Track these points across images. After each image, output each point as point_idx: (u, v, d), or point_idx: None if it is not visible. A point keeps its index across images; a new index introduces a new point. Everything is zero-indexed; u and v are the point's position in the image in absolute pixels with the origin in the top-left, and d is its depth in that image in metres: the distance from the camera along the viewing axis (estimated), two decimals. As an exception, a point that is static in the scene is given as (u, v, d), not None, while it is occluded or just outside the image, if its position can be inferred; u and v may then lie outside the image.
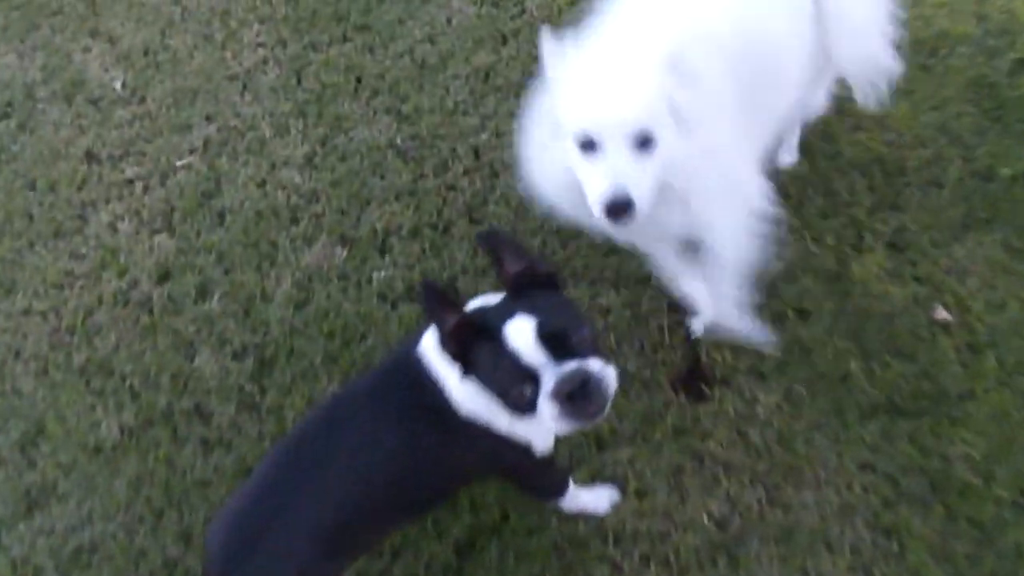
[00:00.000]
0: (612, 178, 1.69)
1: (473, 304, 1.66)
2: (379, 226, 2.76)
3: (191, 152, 3.06)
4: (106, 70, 3.36)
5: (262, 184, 2.94)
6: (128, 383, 2.63)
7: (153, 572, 2.30)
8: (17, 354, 2.81)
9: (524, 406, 1.50)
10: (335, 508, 1.66)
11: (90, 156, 3.17)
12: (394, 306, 2.57)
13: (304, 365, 2.52)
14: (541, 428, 1.65)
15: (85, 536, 2.43)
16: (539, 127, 1.88)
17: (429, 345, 1.68)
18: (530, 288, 1.55)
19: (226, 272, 2.76)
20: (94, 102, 3.32)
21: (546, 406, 1.47)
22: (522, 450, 1.75)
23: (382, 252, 2.68)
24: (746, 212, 1.95)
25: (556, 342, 1.46)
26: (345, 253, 2.69)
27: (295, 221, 2.83)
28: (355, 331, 2.54)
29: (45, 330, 2.81)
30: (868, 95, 2.25)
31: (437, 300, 1.48)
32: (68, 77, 3.40)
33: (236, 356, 2.59)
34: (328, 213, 2.80)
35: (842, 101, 2.63)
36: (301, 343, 2.56)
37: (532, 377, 1.47)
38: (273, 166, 2.97)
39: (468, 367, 1.54)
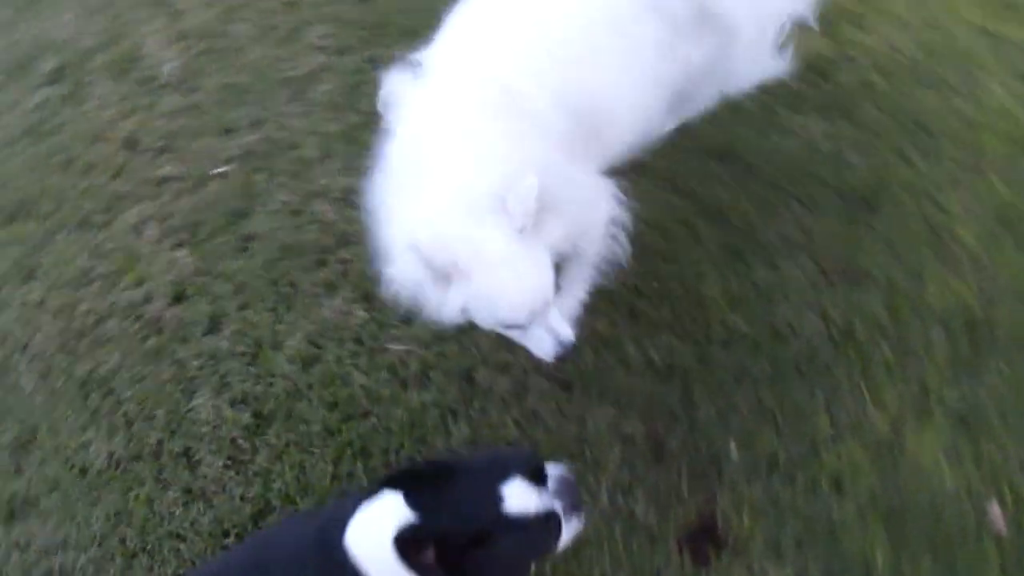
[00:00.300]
0: (553, 336, 1.92)
1: (374, 537, 1.52)
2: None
3: (229, 161, 2.99)
4: (162, 48, 3.31)
5: (296, 213, 2.84)
6: (124, 409, 2.60)
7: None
8: (24, 348, 2.81)
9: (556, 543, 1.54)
10: None
11: (130, 143, 3.13)
12: (404, 386, 2.47)
13: (301, 432, 2.44)
14: None
15: (56, 562, 2.43)
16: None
17: (360, 541, 1.56)
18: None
19: (241, 307, 2.70)
20: (144, 83, 3.26)
21: (570, 527, 1.54)
22: None
23: (404, 323, 2.61)
24: (605, 220, 2.12)
25: (535, 476, 1.51)
26: (365, 316, 2.61)
27: (321, 264, 2.73)
28: (359, 406, 2.45)
29: (55, 328, 2.81)
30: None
31: (410, 548, 1.39)
32: (123, 50, 3.35)
33: (234, 404, 2.53)
34: (356, 263, 2.70)
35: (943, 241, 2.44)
36: (302, 407, 2.48)
37: (554, 517, 1.50)
38: (310, 194, 2.87)
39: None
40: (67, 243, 2.95)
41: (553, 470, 1.57)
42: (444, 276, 1.81)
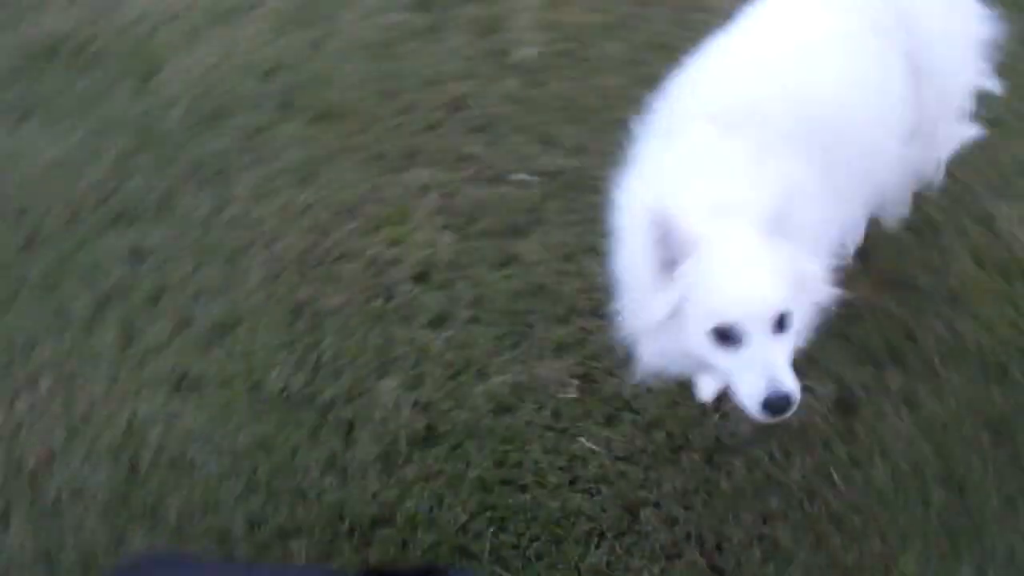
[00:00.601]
0: (769, 373, 1.98)
1: None
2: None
3: (533, 173, 3.49)
4: (529, 29, 3.86)
5: (567, 258, 3.29)
6: (319, 352, 3.20)
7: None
8: (269, 244, 3.53)
9: None
10: None
11: (456, 106, 3.77)
12: (572, 483, 2.83)
13: (457, 470, 2.89)
14: None
15: (191, 451, 3.06)
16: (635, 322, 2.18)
17: None
18: None
19: (470, 320, 3.19)
20: (495, 54, 3.91)
21: None
22: None
23: (607, 423, 3.01)
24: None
25: None
26: (576, 395, 3.00)
27: (563, 321, 3.15)
28: (521, 478, 2.85)
29: (303, 242, 3.49)
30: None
31: None
32: (495, 12, 4.03)
33: (416, 406, 3.03)
34: (596, 337, 3.10)
35: None
36: (471, 447, 2.93)
37: None
38: (587, 247, 3.26)
39: None
40: (354, 168, 3.62)
41: None
42: (672, 257, 1.96)
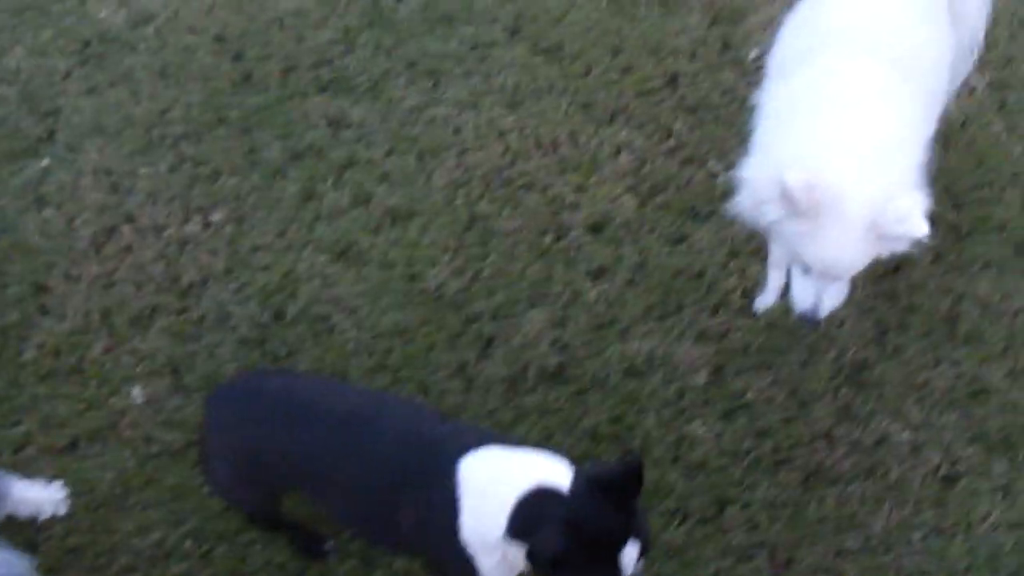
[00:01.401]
0: (815, 299, 2.76)
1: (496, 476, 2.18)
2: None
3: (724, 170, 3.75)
4: (763, 29, 4.04)
5: (732, 254, 3.59)
6: (482, 266, 3.55)
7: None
8: (463, 153, 3.86)
9: None
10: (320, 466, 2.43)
11: (671, 81, 3.99)
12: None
13: (570, 417, 3.27)
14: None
15: (335, 315, 3.50)
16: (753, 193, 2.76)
17: (484, 478, 2.21)
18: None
19: (628, 283, 3.49)
20: (726, 49, 4.10)
21: None
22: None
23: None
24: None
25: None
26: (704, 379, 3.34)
27: (713, 310, 3.49)
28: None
29: (492, 160, 3.81)
30: None
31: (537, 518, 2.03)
32: (736, 4, 4.19)
33: (553, 345, 3.40)
34: (735, 336, 3.44)
35: None
36: (595, 399, 3.31)
37: None
38: (755, 251, 3.62)
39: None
40: (561, 108, 3.94)
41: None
42: (788, 207, 2.52)
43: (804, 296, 2.79)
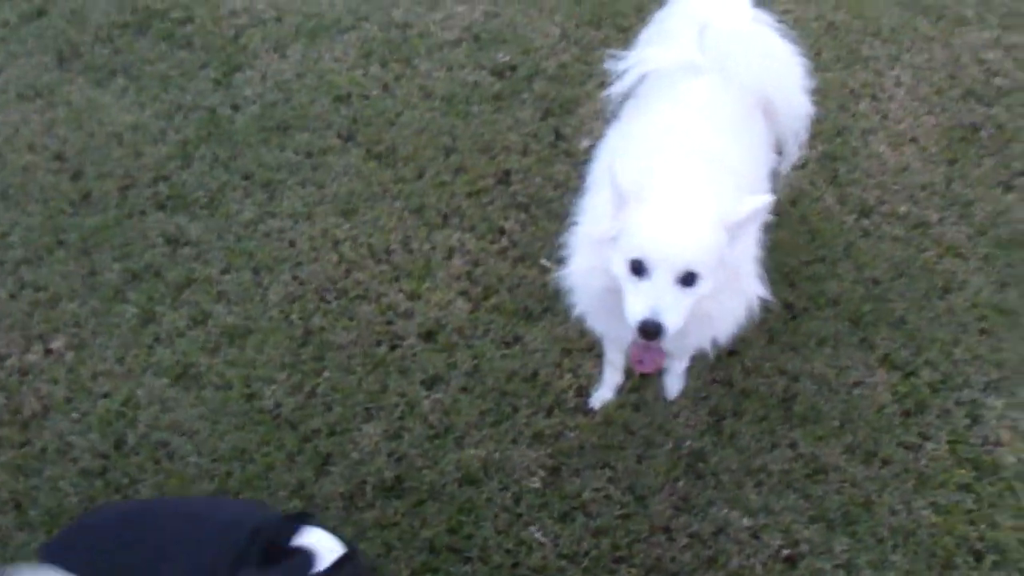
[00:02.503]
0: (653, 303, 2.57)
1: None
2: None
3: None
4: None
5: (565, 353, 3.65)
6: (318, 382, 3.56)
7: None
8: (296, 267, 3.88)
9: None
10: None
11: (504, 177, 4.09)
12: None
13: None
14: None
15: (175, 441, 3.49)
16: (588, 230, 2.81)
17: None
18: None
19: (465, 389, 3.57)
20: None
21: None
22: None
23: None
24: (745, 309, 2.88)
25: None
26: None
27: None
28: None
29: (329, 274, 3.85)
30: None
31: None
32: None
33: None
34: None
35: None
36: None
37: None
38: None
39: None
40: (394, 214, 4.00)
41: None
42: (625, 199, 2.57)
43: (641, 305, 2.60)
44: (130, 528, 2.50)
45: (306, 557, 2.19)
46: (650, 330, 2.57)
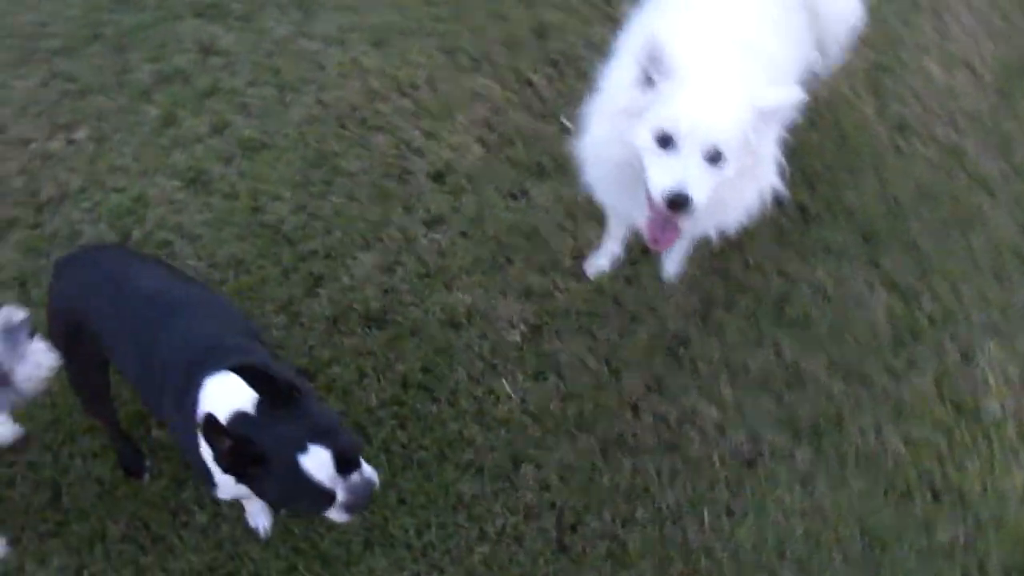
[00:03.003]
0: (681, 176, 2.52)
1: (220, 401, 2.24)
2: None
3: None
4: None
5: (568, 215, 3.66)
6: (323, 205, 3.61)
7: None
8: (320, 90, 3.89)
9: (314, 514, 2.31)
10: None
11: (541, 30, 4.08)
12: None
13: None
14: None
15: (177, 242, 3.58)
16: (612, 98, 2.76)
17: (208, 394, 2.31)
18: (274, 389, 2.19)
19: (464, 234, 3.60)
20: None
21: (335, 512, 2.25)
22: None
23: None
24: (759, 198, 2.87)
25: (343, 460, 2.19)
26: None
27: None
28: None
29: (352, 101, 3.86)
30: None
31: (214, 429, 2.10)
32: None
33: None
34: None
35: None
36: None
37: (331, 496, 2.20)
38: None
39: (245, 478, 2.19)
40: (426, 52, 4.00)
41: (367, 471, 2.27)
42: (655, 73, 2.52)
43: (668, 176, 2.54)
44: (120, 283, 2.65)
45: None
46: (678, 201, 2.53)
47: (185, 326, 2.54)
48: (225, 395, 2.28)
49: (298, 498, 2.25)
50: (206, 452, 2.26)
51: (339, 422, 2.31)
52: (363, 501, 2.30)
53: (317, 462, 2.16)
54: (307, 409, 2.24)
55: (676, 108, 2.51)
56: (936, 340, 3.44)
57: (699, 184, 2.52)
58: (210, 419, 2.09)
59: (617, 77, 2.79)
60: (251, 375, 2.18)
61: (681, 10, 2.95)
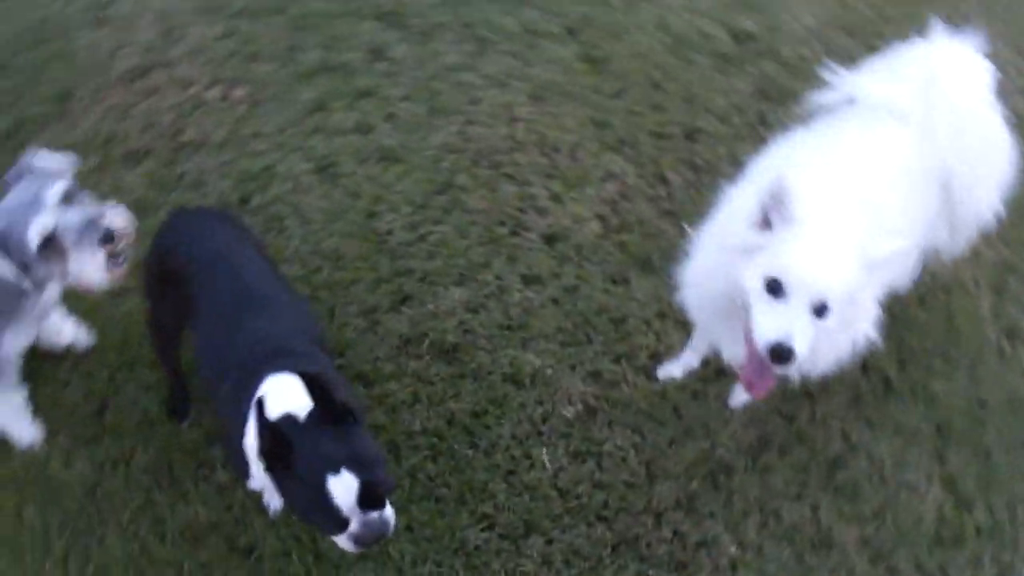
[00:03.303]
0: (787, 327, 2.53)
1: (274, 400, 2.34)
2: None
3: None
4: None
5: (660, 315, 3.69)
6: (433, 230, 3.76)
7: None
8: (466, 123, 4.08)
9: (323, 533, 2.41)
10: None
11: (691, 134, 4.16)
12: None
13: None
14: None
15: (289, 219, 3.76)
16: (725, 230, 2.80)
17: (273, 387, 2.43)
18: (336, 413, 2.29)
19: (556, 301, 3.68)
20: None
21: (343, 540, 2.35)
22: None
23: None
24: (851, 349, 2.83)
25: (369, 495, 2.27)
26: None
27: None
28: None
29: (493, 143, 4.02)
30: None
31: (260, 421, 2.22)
32: None
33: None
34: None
35: None
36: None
37: (343, 523, 2.29)
38: None
39: (275, 473, 2.30)
40: (578, 119, 4.16)
41: (387, 513, 2.36)
42: (775, 216, 2.55)
43: (774, 326, 2.55)
44: (219, 258, 2.85)
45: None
46: (781, 353, 2.54)
47: (266, 322, 2.71)
48: (281, 395, 2.40)
49: (313, 513, 2.34)
50: (250, 444, 2.41)
51: (381, 459, 2.39)
52: (373, 539, 2.38)
53: (343, 487, 2.25)
54: (355, 435, 2.34)
55: (791, 258, 2.53)
56: (976, 553, 3.35)
57: (803, 336, 2.54)
58: (260, 408, 2.23)
59: (736, 208, 2.83)
60: (314, 385, 2.30)
61: (815, 159, 2.98)
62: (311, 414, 2.32)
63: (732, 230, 2.71)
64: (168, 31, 4.51)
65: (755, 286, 2.58)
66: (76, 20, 4.61)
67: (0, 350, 3.06)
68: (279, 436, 2.25)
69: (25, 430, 3.33)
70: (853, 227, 2.65)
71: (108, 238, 2.78)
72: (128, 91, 4.29)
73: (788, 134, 3.28)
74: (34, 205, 2.74)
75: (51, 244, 2.76)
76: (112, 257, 2.83)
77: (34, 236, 2.73)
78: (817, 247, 2.54)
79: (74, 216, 2.76)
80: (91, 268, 2.82)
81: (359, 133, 4.07)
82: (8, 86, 4.38)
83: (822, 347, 2.72)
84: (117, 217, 2.84)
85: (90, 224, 2.77)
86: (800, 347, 2.52)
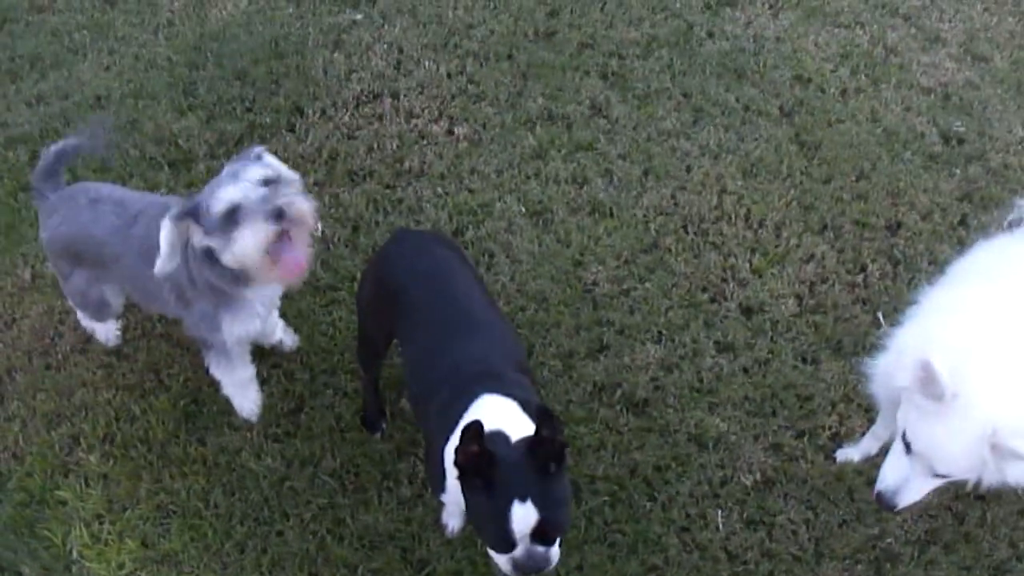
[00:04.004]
0: (900, 482, 2.85)
1: (487, 417, 2.48)
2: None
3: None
4: None
5: (847, 399, 3.90)
6: (640, 288, 4.04)
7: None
8: (680, 188, 4.35)
9: (488, 546, 2.59)
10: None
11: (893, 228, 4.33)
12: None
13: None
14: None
15: (498, 255, 4.06)
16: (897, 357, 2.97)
17: (476, 409, 2.64)
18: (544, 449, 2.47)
19: (745, 371, 3.91)
20: None
21: (503, 560, 2.55)
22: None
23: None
24: None
25: (543, 531, 2.46)
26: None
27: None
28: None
29: (703, 209, 4.28)
30: None
31: (473, 434, 2.41)
32: None
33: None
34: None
35: None
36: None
37: (511, 546, 2.49)
38: None
39: (465, 482, 2.51)
40: (784, 197, 4.36)
41: (553, 552, 2.52)
42: (931, 395, 2.63)
43: (892, 475, 2.87)
44: (433, 284, 3.09)
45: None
46: (882, 500, 2.90)
47: (478, 344, 2.93)
48: (494, 414, 2.60)
49: (487, 526, 2.53)
50: (449, 457, 2.59)
51: (567, 502, 2.57)
52: (531, 570, 2.55)
53: (523, 516, 2.43)
54: (555, 473, 2.51)
55: (918, 431, 2.76)
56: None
57: (914, 493, 2.86)
58: (476, 424, 2.42)
59: (928, 318, 3.04)
60: (543, 417, 2.47)
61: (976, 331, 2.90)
62: (526, 440, 2.51)
63: (903, 364, 2.83)
64: (400, 63, 4.95)
65: (901, 430, 2.86)
66: (315, 40, 5.08)
67: (220, 332, 3.36)
68: (485, 449, 2.43)
69: (247, 403, 3.65)
70: (988, 407, 2.64)
71: (278, 215, 2.93)
72: (356, 114, 4.72)
73: (989, 240, 3.43)
74: (232, 178, 3.00)
75: (233, 216, 2.95)
76: (283, 239, 3.00)
77: (218, 203, 2.95)
78: (948, 429, 2.67)
79: (259, 192, 2.96)
80: (253, 243, 2.96)
81: (575, 184, 4.40)
82: (245, 93, 4.85)
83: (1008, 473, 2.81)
84: (296, 199, 3.01)
85: (266, 201, 2.95)
86: (903, 501, 2.86)
